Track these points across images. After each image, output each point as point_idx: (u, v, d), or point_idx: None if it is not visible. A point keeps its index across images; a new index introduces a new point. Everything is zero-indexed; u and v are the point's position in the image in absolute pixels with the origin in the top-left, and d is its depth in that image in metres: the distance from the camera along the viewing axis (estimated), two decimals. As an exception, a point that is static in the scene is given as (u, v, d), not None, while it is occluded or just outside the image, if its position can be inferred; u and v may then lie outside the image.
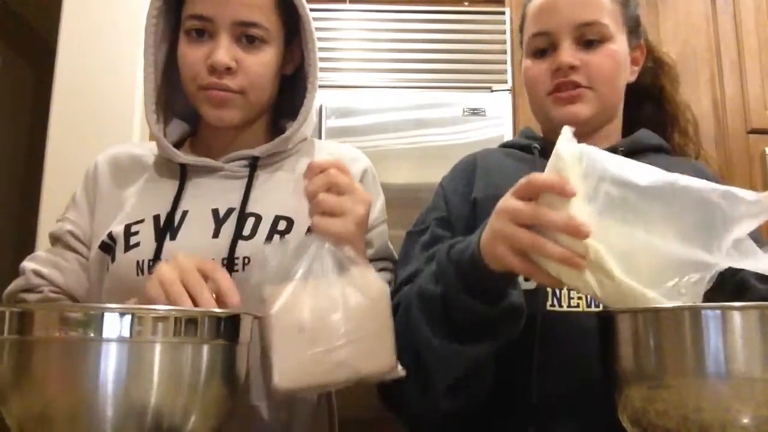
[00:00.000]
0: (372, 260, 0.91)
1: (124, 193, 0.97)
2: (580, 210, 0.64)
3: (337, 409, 1.02)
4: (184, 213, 0.93)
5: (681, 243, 0.63)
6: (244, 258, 0.88)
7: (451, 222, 0.95)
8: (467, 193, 0.96)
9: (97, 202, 0.99)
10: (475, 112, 2.14)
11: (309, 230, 0.82)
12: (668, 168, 0.93)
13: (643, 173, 0.65)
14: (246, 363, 0.72)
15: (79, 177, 1.04)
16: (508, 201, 0.69)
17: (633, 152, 0.95)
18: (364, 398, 0.92)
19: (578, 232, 0.63)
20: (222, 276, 0.74)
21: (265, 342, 0.73)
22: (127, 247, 0.90)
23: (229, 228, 0.91)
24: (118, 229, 0.92)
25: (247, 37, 0.92)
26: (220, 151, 0.99)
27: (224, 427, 0.68)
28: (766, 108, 2.22)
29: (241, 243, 0.89)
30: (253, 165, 0.97)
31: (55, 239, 0.99)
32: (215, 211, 0.92)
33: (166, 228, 0.91)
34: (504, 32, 2.29)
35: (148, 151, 1.03)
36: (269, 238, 0.90)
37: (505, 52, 2.26)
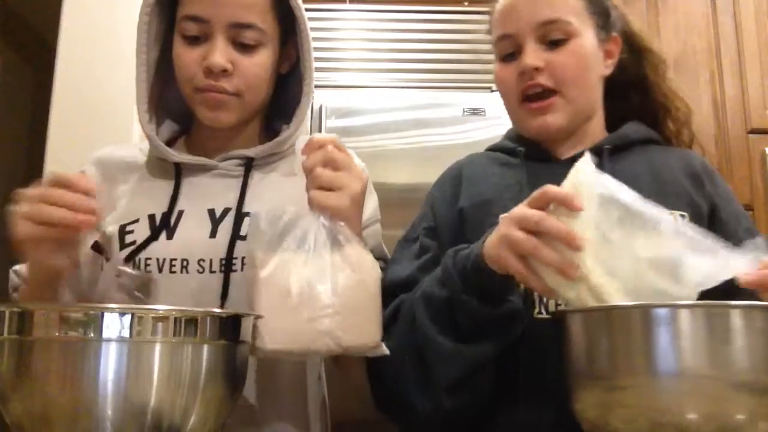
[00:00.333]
0: None
1: (114, 194, 0.97)
2: (585, 228, 0.68)
3: (331, 411, 1.02)
4: (180, 212, 0.93)
5: (652, 269, 0.67)
6: (243, 258, 0.88)
7: (438, 232, 0.95)
8: (453, 203, 0.96)
9: None
10: (475, 112, 2.14)
11: None
12: (655, 159, 0.92)
13: (650, 208, 0.69)
14: (246, 363, 0.72)
15: (78, 177, 1.04)
16: (519, 208, 0.72)
17: (619, 149, 0.94)
18: (359, 400, 0.92)
19: (573, 242, 0.67)
20: (68, 175, 0.76)
21: (252, 306, 0.75)
22: (123, 246, 0.90)
23: (225, 228, 0.91)
24: (111, 229, 0.91)
25: (242, 40, 0.91)
26: (215, 150, 0.99)
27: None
28: (766, 108, 2.22)
29: (239, 243, 0.89)
30: (248, 165, 0.97)
31: None
32: (211, 211, 0.92)
33: (163, 227, 0.90)
34: (504, 32, 2.28)
35: (137, 151, 1.03)
36: None
37: (505, 52, 2.25)
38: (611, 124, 1.01)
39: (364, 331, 0.76)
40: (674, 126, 1.03)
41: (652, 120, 1.02)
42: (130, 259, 0.88)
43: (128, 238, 0.90)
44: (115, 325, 0.59)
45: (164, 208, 0.92)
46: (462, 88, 2.22)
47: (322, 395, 1.00)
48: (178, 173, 0.96)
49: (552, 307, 0.85)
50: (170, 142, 1.01)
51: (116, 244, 0.90)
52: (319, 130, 2.13)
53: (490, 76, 1.03)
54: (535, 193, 0.71)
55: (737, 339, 0.58)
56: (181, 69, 0.93)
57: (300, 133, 1.01)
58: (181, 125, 1.04)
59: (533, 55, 0.91)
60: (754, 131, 2.21)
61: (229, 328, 0.67)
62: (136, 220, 0.92)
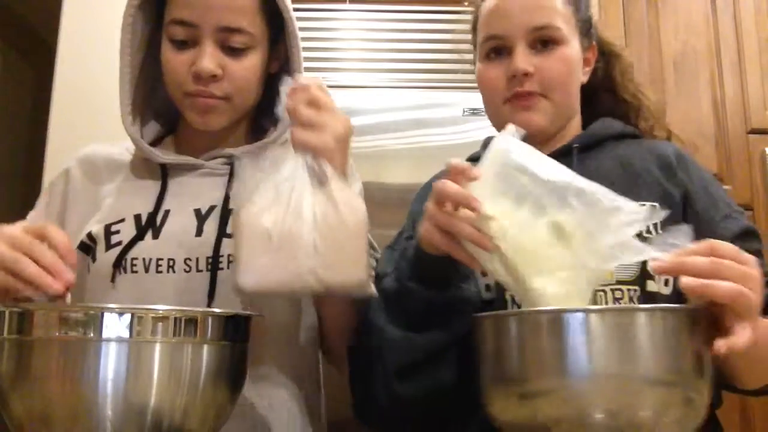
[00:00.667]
0: None
1: (99, 193, 0.96)
2: (490, 196, 0.70)
3: (330, 411, 1.01)
4: (167, 212, 0.92)
5: (571, 240, 0.69)
6: (229, 256, 0.88)
7: None
8: None
9: (69, 204, 0.98)
10: (475, 112, 2.13)
11: None
12: (627, 153, 0.93)
13: (554, 170, 0.71)
14: (246, 363, 0.72)
15: (78, 177, 1.03)
16: (437, 183, 0.74)
17: (589, 147, 0.95)
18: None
19: (470, 204, 0.69)
20: (53, 230, 0.73)
21: (235, 249, 0.75)
22: (109, 246, 0.90)
23: (211, 226, 0.90)
24: (97, 228, 0.91)
25: (231, 44, 0.90)
26: (203, 150, 0.98)
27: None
28: (766, 108, 2.22)
29: (225, 241, 0.89)
30: (234, 163, 0.96)
31: None
32: (197, 211, 0.92)
33: (149, 226, 0.90)
34: (504, 32, 2.28)
35: (124, 149, 1.02)
36: None
37: (505, 52, 2.25)
38: (586, 126, 1.02)
39: (347, 269, 0.76)
40: (646, 123, 1.03)
41: (625, 120, 1.03)
42: (118, 260, 0.88)
43: (114, 239, 0.90)
44: (115, 325, 0.60)
45: (150, 207, 0.92)
46: (462, 88, 2.21)
47: (317, 391, 0.99)
48: (164, 173, 0.96)
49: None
50: (157, 141, 1.01)
51: (102, 244, 0.90)
52: (319, 130, 2.12)
53: (490, 77, 1.02)
54: (446, 164, 0.74)
55: (643, 338, 0.61)
56: (170, 74, 0.92)
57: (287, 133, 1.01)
58: (168, 124, 1.03)
59: (525, 60, 0.92)
60: (754, 131, 2.21)
61: (229, 328, 0.67)
62: (122, 220, 0.91)
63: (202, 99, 0.91)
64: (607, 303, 0.82)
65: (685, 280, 0.63)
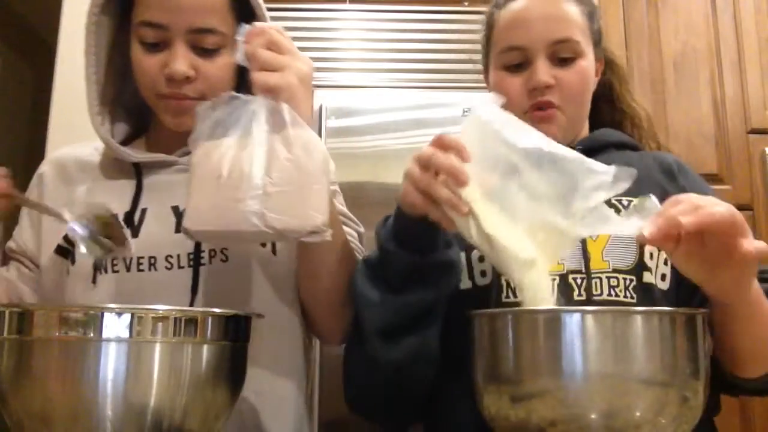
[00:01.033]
0: None
1: (72, 195, 0.96)
2: (475, 166, 0.72)
3: (326, 410, 1.01)
4: (143, 210, 0.92)
5: (544, 205, 0.70)
6: (210, 251, 0.88)
7: None
8: None
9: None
10: (475, 112, 2.14)
11: None
12: (631, 161, 0.96)
13: (530, 137, 0.72)
14: (246, 363, 0.72)
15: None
16: (422, 148, 0.75)
17: (593, 151, 0.95)
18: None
19: (458, 177, 0.71)
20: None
21: (187, 192, 0.74)
22: None
23: None
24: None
25: (203, 45, 0.89)
26: (177, 148, 0.97)
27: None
28: (766, 108, 2.22)
29: None
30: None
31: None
32: (175, 208, 0.91)
33: (127, 226, 0.90)
34: (504, 32, 2.28)
35: (93, 150, 1.01)
36: None
37: (505, 52, 2.25)
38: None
39: (299, 213, 0.73)
40: (639, 133, 1.05)
41: (622, 130, 1.04)
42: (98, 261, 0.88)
43: None
44: (114, 325, 0.59)
45: (126, 207, 0.92)
46: (462, 88, 2.21)
47: (311, 390, 0.99)
48: (138, 172, 0.95)
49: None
50: (128, 140, 0.99)
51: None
52: (320, 130, 2.13)
53: (490, 77, 1.03)
54: (436, 136, 0.75)
55: (639, 340, 0.62)
56: (142, 76, 0.90)
57: None
58: (138, 122, 1.02)
59: (547, 72, 0.92)
60: (754, 131, 2.21)
61: (229, 328, 0.67)
62: None
63: (175, 101, 0.89)
64: (602, 291, 0.83)
65: (686, 220, 0.62)
